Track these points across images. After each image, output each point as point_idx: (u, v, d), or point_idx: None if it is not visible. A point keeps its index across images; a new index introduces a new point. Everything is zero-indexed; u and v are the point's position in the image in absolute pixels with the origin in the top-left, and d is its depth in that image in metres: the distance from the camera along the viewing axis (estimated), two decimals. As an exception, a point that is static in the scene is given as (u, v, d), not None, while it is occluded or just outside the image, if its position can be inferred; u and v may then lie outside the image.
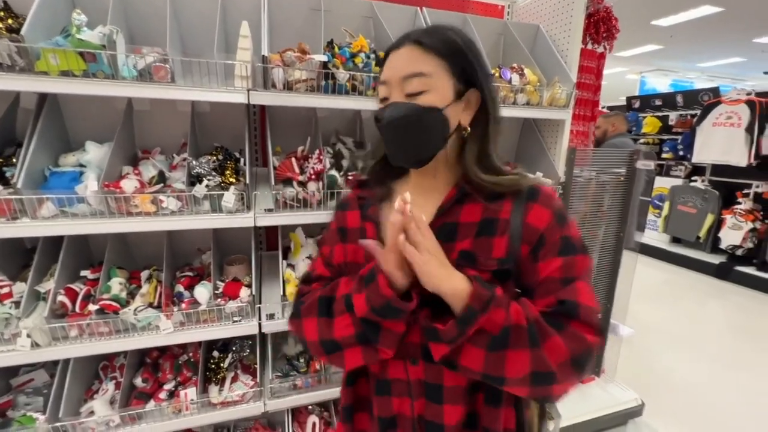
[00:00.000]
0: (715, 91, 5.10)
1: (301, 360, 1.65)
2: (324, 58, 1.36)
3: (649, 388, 2.39)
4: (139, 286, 1.43)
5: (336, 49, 1.44)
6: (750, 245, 4.40)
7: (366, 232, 0.75)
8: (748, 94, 4.43)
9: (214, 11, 1.42)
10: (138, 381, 1.48)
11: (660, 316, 3.60)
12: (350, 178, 1.52)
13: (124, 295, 1.36)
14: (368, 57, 1.45)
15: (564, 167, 1.84)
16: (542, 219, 0.67)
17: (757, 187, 4.46)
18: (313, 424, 1.69)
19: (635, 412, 2.19)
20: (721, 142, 4.52)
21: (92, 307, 1.27)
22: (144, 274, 1.45)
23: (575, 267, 0.66)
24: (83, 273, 1.41)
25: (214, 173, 1.38)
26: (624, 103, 6.95)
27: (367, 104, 1.44)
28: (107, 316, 1.28)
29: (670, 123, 6.05)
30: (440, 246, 0.64)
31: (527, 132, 2.03)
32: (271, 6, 1.51)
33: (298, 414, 1.75)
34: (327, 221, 1.56)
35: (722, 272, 4.58)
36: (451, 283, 0.62)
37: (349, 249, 0.76)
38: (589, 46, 2.00)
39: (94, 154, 1.32)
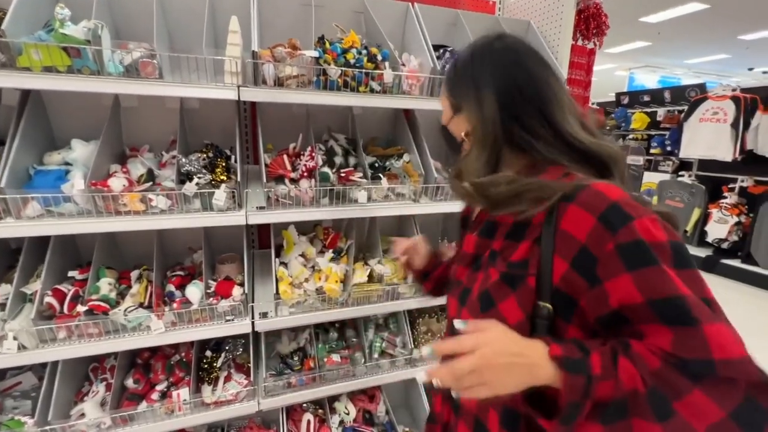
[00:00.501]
0: (701, 87, 5.19)
1: (295, 358, 1.65)
2: (315, 54, 1.34)
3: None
4: (129, 287, 1.40)
5: (327, 45, 1.42)
6: (735, 238, 4.50)
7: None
8: (734, 90, 4.51)
9: (202, 6, 1.40)
10: (129, 382, 1.46)
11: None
12: (342, 174, 1.51)
13: (113, 295, 1.33)
14: (360, 53, 1.44)
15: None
16: (581, 225, 0.55)
17: (742, 181, 4.55)
18: (308, 422, 1.69)
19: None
20: (708, 138, 4.60)
21: (81, 308, 1.25)
22: (134, 274, 1.43)
23: (659, 281, 0.50)
24: (71, 273, 1.38)
25: (204, 171, 1.36)
26: (613, 99, 7.04)
27: (359, 100, 1.43)
28: (96, 317, 1.26)
29: (658, 119, 6.13)
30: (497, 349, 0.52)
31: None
32: (261, 1, 1.49)
33: (293, 412, 1.74)
34: (320, 218, 1.56)
35: (709, 265, 4.68)
36: (534, 380, 0.52)
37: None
38: (580, 42, 2.01)
39: (81, 152, 1.29)
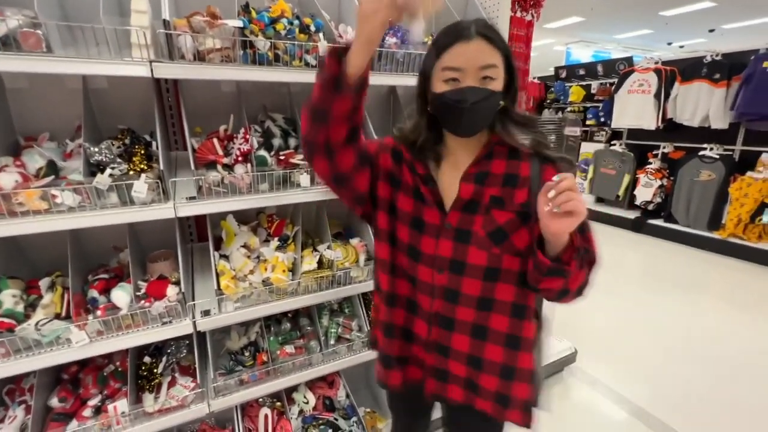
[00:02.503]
0: (629, 61, 5.53)
1: (246, 353, 1.57)
2: (239, 24, 1.21)
3: (580, 336, 2.62)
4: (41, 297, 1.23)
5: (253, 14, 1.29)
6: (659, 200, 4.96)
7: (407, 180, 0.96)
8: (656, 62, 4.86)
9: (97, -34, 1.19)
10: (54, 401, 1.30)
11: (588, 270, 3.95)
12: (282, 157, 1.41)
13: (20, 308, 1.16)
14: (291, 23, 1.32)
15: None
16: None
17: (664, 148, 4.98)
18: (266, 417, 1.63)
19: (570, 359, 2.41)
20: (635, 108, 4.95)
21: (-22, 328, 1.07)
22: (44, 282, 1.25)
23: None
24: (-37, 288, 1.18)
25: (119, 160, 1.20)
26: (552, 73, 7.32)
27: (293, 76, 1.32)
28: (0, 336, 1.09)
29: (593, 91, 6.49)
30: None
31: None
32: (172, -38, 1.31)
33: (249, 408, 1.68)
34: (260, 206, 1.44)
35: (637, 226, 5.14)
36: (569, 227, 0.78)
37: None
38: (519, 14, 2.02)
39: (-45, 143, 1.08)
